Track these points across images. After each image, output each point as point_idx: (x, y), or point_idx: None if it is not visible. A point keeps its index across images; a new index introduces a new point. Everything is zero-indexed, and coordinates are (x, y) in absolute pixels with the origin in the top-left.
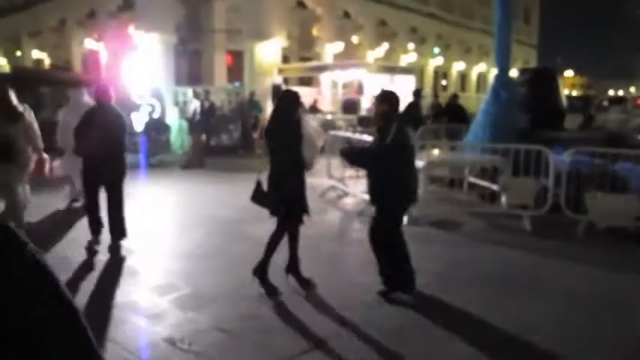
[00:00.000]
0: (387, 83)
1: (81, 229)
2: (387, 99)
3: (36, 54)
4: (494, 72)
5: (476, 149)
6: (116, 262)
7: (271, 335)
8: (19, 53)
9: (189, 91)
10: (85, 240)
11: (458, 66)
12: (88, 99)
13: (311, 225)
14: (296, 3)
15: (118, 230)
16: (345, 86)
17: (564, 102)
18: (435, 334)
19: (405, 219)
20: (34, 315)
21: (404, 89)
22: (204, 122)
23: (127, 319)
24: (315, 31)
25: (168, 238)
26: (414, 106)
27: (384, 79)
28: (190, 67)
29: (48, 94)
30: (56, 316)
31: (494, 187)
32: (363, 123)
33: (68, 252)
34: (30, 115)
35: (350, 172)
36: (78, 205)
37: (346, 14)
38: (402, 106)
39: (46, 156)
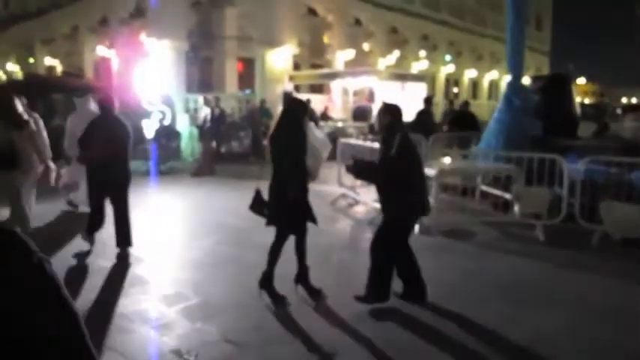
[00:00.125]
0: (399, 91)
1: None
2: (390, 111)
3: (48, 61)
4: (506, 79)
5: (489, 157)
6: (125, 271)
7: (279, 347)
8: (31, 60)
9: (200, 98)
10: (90, 248)
11: (469, 73)
12: (94, 107)
13: (321, 234)
14: (307, 10)
15: (124, 239)
16: (356, 94)
17: (578, 109)
18: (448, 346)
19: (417, 228)
20: (36, 321)
21: (415, 97)
22: (215, 129)
23: (135, 329)
24: (326, 39)
25: (178, 246)
26: (425, 114)
27: (395, 87)
28: (201, 74)
29: (60, 101)
30: (58, 322)
31: (507, 195)
32: (374, 131)
33: (74, 260)
34: (38, 124)
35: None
36: (76, 210)
37: (357, 21)
38: (413, 114)
39: (53, 166)
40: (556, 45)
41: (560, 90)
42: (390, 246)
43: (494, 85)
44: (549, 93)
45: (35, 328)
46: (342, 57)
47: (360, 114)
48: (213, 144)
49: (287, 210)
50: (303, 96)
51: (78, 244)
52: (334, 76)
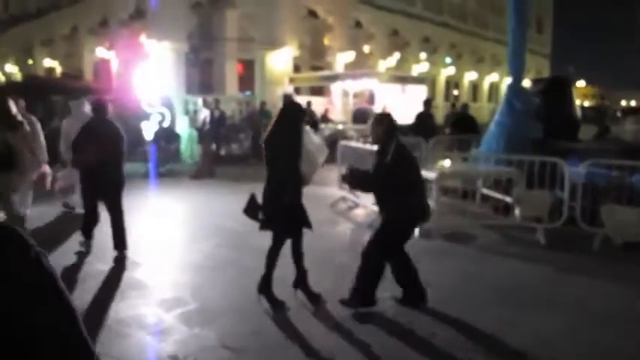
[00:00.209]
0: (399, 93)
1: (82, 240)
2: (382, 120)
3: (48, 62)
4: (506, 82)
5: (489, 160)
6: (123, 274)
7: (277, 353)
8: (31, 62)
9: (200, 100)
10: (88, 251)
11: (470, 76)
12: (89, 109)
13: (321, 237)
14: (307, 12)
15: (119, 242)
16: (356, 96)
17: (578, 112)
18: (448, 350)
19: (417, 232)
20: (34, 315)
21: (416, 99)
22: (214, 131)
23: (132, 334)
24: (326, 41)
25: (177, 250)
26: (424, 116)
27: (395, 89)
28: (201, 76)
29: (59, 103)
30: (56, 316)
31: (508, 199)
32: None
33: (72, 263)
34: (36, 127)
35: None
36: (73, 211)
37: (358, 23)
38: (413, 117)
39: (48, 170)
40: (556, 48)
41: (560, 93)
42: (385, 249)
43: (494, 87)
44: (550, 96)
45: (33, 322)
46: (342, 59)
47: (360, 116)
48: (213, 146)
49: (282, 214)
50: (303, 98)
51: (75, 246)
52: (334, 78)
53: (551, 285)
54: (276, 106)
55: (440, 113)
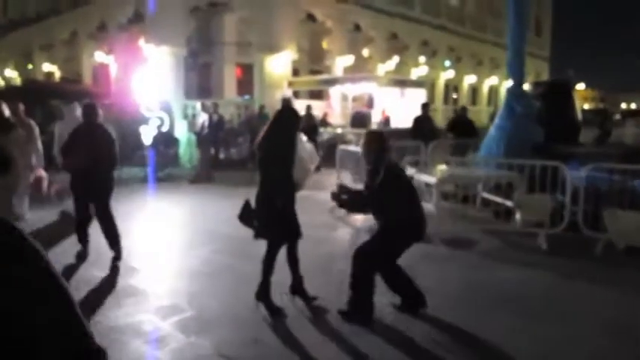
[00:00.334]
0: (398, 97)
1: (79, 246)
2: (372, 139)
3: (47, 67)
4: (506, 85)
5: (490, 164)
6: (118, 281)
7: None
8: (30, 66)
9: (198, 104)
10: (83, 257)
11: (469, 79)
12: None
13: (320, 242)
14: (306, 16)
15: (111, 245)
16: (355, 99)
17: (580, 115)
18: (448, 359)
19: None
20: (32, 296)
21: (415, 103)
22: (213, 136)
23: (128, 342)
24: (325, 44)
25: (174, 255)
26: (423, 120)
27: (394, 93)
28: (200, 80)
29: (58, 106)
30: (52, 297)
31: (509, 203)
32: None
33: (66, 269)
34: (34, 131)
35: (361, 186)
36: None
37: (357, 27)
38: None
39: (44, 173)
40: (555, 51)
41: (561, 96)
42: (375, 260)
43: (493, 90)
44: (550, 99)
45: (30, 303)
46: (341, 63)
47: (358, 120)
48: (212, 150)
49: (276, 219)
50: (302, 102)
51: (70, 252)
52: (333, 82)
53: (554, 292)
54: (274, 110)
55: (439, 117)
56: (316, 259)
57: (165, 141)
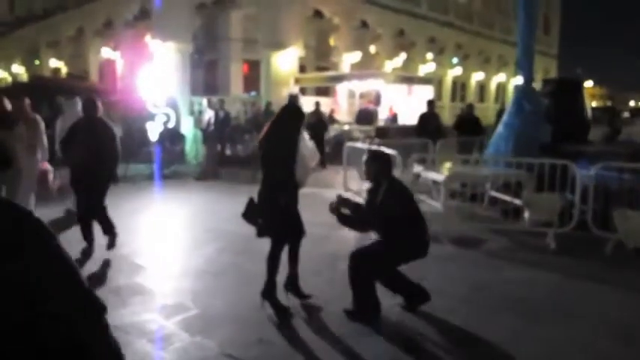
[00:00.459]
0: (405, 94)
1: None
2: (375, 158)
3: (54, 63)
4: (513, 82)
5: (498, 163)
6: (123, 280)
7: None
8: (37, 62)
9: (204, 101)
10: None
11: (477, 76)
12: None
13: (327, 241)
14: (313, 12)
15: (104, 232)
16: (362, 96)
17: (589, 113)
18: None
19: None
20: (39, 263)
21: (422, 100)
22: (219, 132)
23: (131, 342)
24: (332, 41)
25: (180, 254)
26: (429, 117)
27: (401, 90)
28: (206, 77)
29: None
30: (56, 267)
31: (518, 202)
32: (381, 135)
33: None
34: (40, 126)
35: (367, 184)
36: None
37: (364, 24)
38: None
39: (49, 167)
40: (564, 48)
41: (571, 94)
42: (375, 266)
43: (501, 88)
44: (559, 97)
45: (37, 273)
46: (348, 59)
47: (364, 117)
48: (218, 147)
49: (279, 217)
50: (309, 99)
51: (74, 250)
52: (340, 78)
53: (563, 293)
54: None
55: (446, 113)
56: (320, 257)
57: (172, 137)
